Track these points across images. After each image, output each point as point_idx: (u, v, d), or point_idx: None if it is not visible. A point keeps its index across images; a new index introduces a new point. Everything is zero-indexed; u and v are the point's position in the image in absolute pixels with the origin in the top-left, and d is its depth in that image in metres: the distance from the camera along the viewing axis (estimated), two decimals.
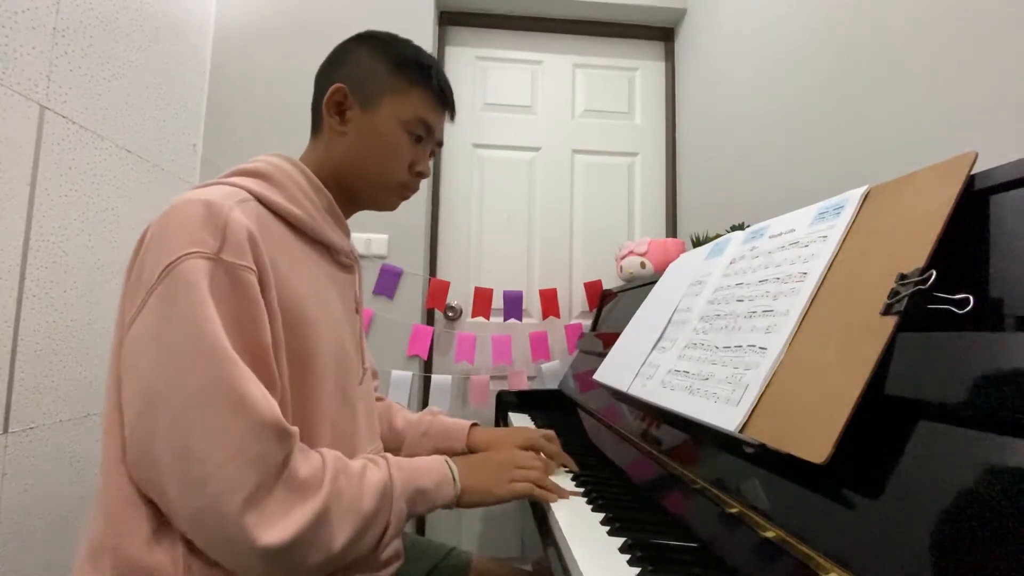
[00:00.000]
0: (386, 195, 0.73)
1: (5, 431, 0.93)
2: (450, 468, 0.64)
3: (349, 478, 0.53)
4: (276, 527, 0.46)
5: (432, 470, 0.62)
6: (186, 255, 0.49)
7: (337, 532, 0.50)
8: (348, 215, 0.72)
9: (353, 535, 0.52)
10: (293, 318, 0.56)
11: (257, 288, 0.52)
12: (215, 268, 0.49)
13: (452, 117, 0.76)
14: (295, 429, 0.50)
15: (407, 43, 0.72)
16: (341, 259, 0.69)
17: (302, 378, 0.57)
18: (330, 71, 0.70)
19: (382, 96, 0.68)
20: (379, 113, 0.68)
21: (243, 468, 0.46)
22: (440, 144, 0.76)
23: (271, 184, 0.61)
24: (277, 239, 0.57)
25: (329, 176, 0.68)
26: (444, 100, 0.73)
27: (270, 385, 0.51)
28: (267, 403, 0.48)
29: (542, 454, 0.77)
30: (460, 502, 0.63)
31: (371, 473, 0.56)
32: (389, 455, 0.61)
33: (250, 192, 0.58)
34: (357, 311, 0.73)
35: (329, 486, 0.51)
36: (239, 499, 0.45)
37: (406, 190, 0.73)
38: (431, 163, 0.77)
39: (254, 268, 0.52)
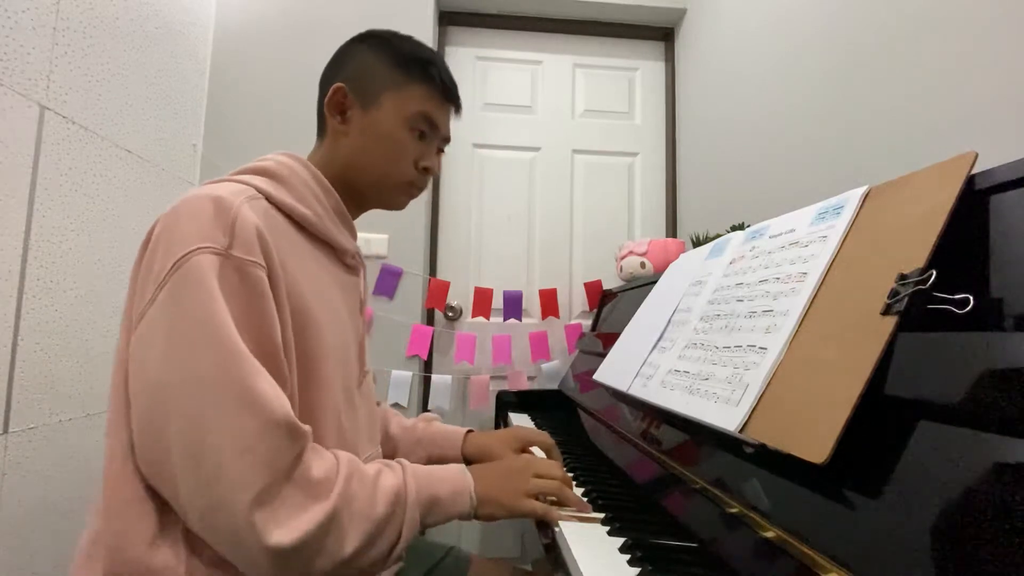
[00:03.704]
0: (393, 194, 0.71)
1: (5, 431, 0.93)
2: (468, 479, 0.60)
3: (362, 482, 0.52)
4: (284, 527, 0.46)
5: (448, 479, 0.59)
6: (195, 250, 0.48)
7: (347, 537, 0.49)
8: (355, 216, 0.71)
9: (363, 541, 0.51)
10: (300, 319, 0.56)
11: (267, 284, 0.52)
12: (225, 264, 0.49)
13: (458, 111, 0.74)
14: (308, 428, 0.50)
15: (407, 39, 0.71)
16: (347, 260, 0.69)
17: (308, 380, 0.57)
18: (331, 72, 0.70)
19: (382, 93, 0.67)
20: (380, 111, 0.67)
21: (253, 466, 0.45)
22: (447, 140, 0.74)
23: (280, 183, 0.60)
24: (284, 238, 0.57)
25: (336, 177, 0.67)
26: (447, 94, 0.71)
27: (280, 382, 0.51)
28: (278, 401, 0.48)
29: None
30: (477, 514, 0.60)
31: (385, 478, 0.55)
32: (405, 461, 0.59)
33: (258, 190, 0.57)
34: (361, 312, 0.73)
35: (341, 488, 0.50)
36: (248, 497, 0.45)
37: (413, 188, 0.72)
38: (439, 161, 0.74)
39: (264, 264, 0.52)
